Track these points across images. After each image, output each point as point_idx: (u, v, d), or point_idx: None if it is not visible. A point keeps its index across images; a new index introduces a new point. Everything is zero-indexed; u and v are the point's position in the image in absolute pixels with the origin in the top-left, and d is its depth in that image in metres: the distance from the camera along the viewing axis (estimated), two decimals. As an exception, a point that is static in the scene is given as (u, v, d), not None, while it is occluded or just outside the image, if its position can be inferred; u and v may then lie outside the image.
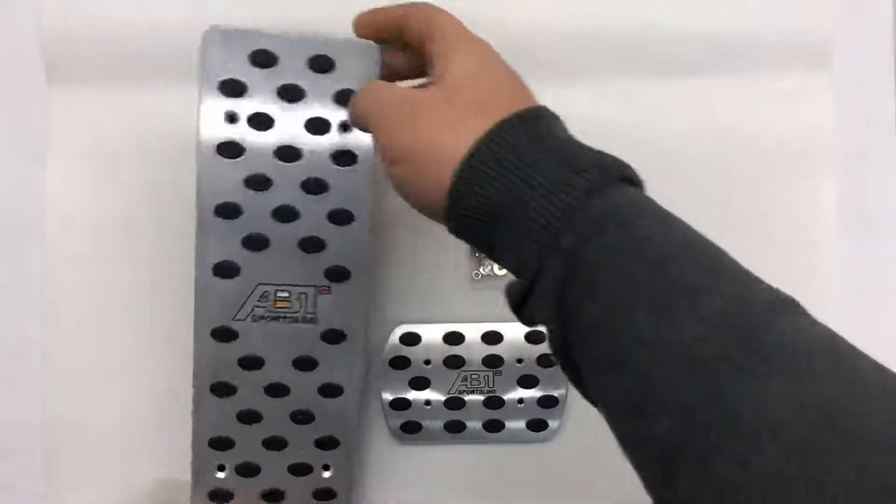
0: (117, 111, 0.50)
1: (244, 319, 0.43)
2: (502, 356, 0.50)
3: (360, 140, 0.42)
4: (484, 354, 0.50)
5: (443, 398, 0.50)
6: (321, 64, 0.41)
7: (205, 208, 0.41)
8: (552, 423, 0.50)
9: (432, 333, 0.50)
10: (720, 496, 0.25)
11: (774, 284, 0.54)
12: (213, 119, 0.41)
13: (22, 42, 0.50)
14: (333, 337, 0.44)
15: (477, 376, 0.50)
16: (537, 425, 0.50)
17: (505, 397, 0.50)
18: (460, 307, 0.51)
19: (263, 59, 0.41)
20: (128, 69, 0.50)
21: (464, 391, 0.50)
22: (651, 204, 0.31)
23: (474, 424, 0.50)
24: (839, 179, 0.52)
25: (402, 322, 0.50)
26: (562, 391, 0.50)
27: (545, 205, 0.30)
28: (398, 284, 0.51)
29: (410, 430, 0.50)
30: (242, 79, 0.41)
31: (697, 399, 0.26)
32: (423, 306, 0.51)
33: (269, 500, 0.46)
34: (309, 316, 0.43)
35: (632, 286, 0.28)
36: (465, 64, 0.35)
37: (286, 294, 0.43)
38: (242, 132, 0.41)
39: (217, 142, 0.41)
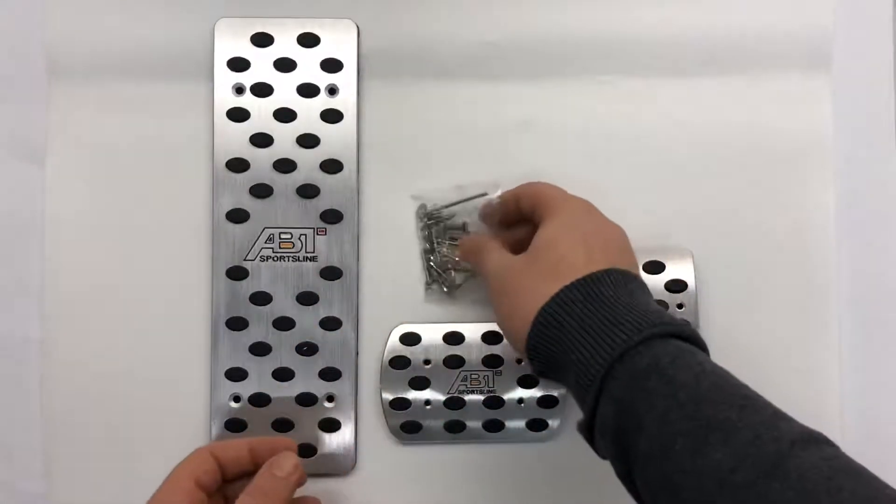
0: (117, 111, 0.50)
1: (253, 259, 0.49)
2: (502, 356, 0.50)
3: (345, 100, 0.50)
4: (484, 354, 0.50)
5: (443, 398, 0.50)
6: (308, 40, 0.50)
7: (218, 163, 0.49)
8: (552, 423, 0.50)
9: (432, 333, 0.50)
10: None
11: (774, 284, 0.54)
12: (223, 90, 0.50)
13: (23, 41, 0.50)
14: (331, 273, 0.49)
15: (477, 376, 0.50)
16: (537, 425, 0.50)
17: (505, 397, 0.50)
18: (460, 307, 0.51)
19: (262, 40, 0.50)
20: (128, 69, 0.50)
21: (464, 391, 0.50)
22: (688, 355, 0.36)
23: (474, 424, 0.50)
24: (838, 179, 0.52)
25: (402, 322, 0.50)
26: (562, 391, 0.50)
27: (595, 359, 0.36)
28: (398, 284, 0.51)
29: (410, 429, 0.50)
30: (246, 56, 0.49)
31: None
32: (423, 306, 0.51)
33: (279, 430, 0.49)
34: (309, 255, 0.49)
35: (671, 425, 0.34)
36: (548, 231, 0.41)
37: (288, 235, 0.49)
38: (248, 100, 0.50)
39: (227, 108, 0.49)
